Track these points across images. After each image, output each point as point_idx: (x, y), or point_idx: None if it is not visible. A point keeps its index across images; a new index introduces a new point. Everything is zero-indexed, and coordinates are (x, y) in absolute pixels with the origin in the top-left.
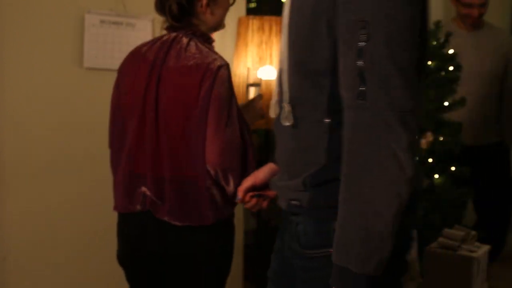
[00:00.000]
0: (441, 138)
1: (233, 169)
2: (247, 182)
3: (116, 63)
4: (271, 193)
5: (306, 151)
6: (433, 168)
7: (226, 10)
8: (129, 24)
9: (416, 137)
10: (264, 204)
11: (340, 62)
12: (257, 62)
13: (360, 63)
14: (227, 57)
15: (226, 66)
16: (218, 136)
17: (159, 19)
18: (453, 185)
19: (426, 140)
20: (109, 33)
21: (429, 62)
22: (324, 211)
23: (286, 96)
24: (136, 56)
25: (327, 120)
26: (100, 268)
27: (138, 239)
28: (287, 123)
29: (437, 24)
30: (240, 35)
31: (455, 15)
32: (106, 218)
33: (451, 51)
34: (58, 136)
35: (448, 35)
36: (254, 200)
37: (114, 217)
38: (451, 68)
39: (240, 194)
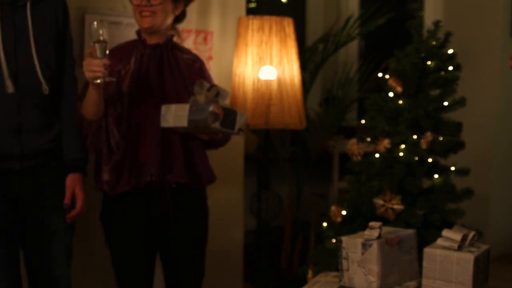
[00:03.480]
0: (441, 138)
1: None
2: None
3: None
4: None
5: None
6: (433, 168)
7: (134, 10)
8: (128, 24)
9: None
10: None
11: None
12: (257, 62)
13: None
14: (227, 57)
15: None
16: None
17: None
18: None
19: (426, 140)
20: (109, 33)
21: (429, 62)
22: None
23: None
24: None
25: None
26: (101, 266)
27: None
28: None
29: (437, 24)
30: (240, 35)
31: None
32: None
33: (451, 51)
34: None
35: (448, 35)
36: None
37: None
38: (451, 68)
39: None
